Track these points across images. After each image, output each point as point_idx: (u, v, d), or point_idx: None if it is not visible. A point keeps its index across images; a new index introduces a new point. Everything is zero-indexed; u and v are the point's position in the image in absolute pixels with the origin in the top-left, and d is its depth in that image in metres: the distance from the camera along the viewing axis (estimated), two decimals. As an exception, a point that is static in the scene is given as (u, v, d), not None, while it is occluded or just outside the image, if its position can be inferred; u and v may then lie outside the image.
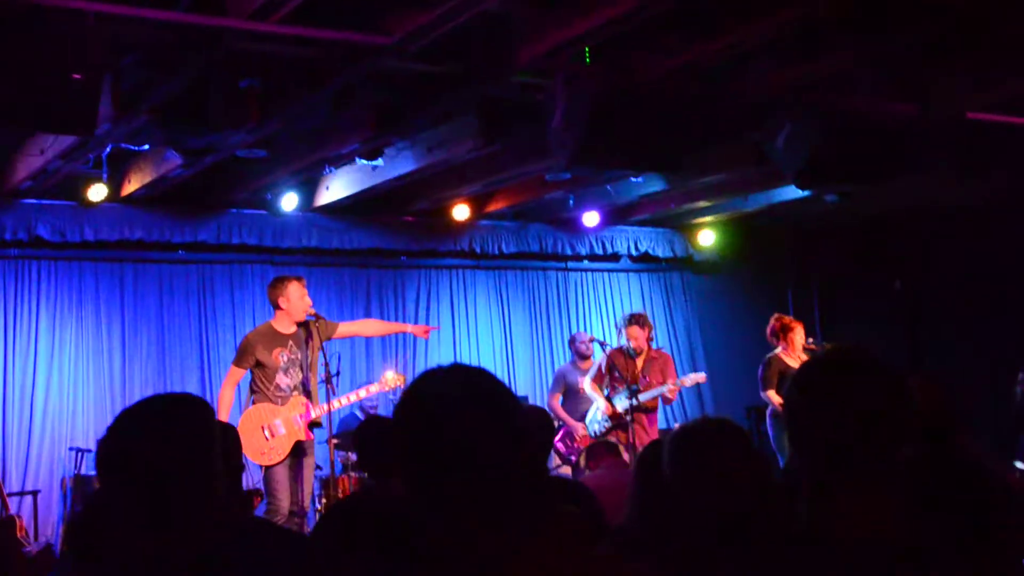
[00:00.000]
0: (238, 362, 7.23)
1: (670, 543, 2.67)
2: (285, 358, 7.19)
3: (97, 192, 8.41)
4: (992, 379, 9.24)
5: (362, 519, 3.49)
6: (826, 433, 1.89)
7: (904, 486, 1.89)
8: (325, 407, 7.26)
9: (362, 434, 4.38)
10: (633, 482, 3.23)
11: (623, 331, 8.49)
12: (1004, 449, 6.00)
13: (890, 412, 1.89)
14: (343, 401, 7.64)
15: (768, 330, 8.82)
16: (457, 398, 1.66)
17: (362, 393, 7.88)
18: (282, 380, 7.21)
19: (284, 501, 6.94)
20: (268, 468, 7.01)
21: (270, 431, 7.04)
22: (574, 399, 8.83)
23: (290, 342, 7.22)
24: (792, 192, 9.33)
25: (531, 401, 10.27)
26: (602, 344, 8.61)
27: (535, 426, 4.35)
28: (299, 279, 7.37)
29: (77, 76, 4.58)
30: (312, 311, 7.51)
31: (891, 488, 1.86)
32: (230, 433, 3.95)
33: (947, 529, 3.45)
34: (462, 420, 1.64)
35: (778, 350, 8.67)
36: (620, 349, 8.49)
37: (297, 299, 7.22)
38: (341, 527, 3.63)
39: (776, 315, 9.00)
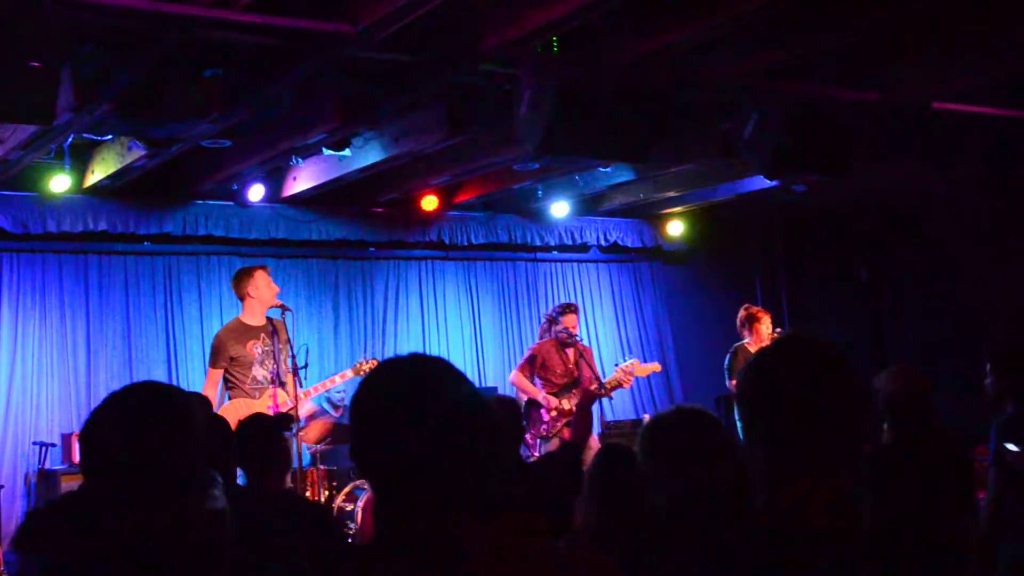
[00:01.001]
0: (214, 363, 7.21)
1: (633, 535, 2.66)
2: (259, 350, 7.20)
3: (60, 183, 8.31)
4: (956, 367, 9.32)
5: None
6: (774, 421, 1.89)
7: (866, 472, 1.89)
8: (296, 397, 7.26)
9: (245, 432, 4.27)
10: (591, 479, 3.22)
11: (559, 319, 8.38)
12: (967, 434, 6.06)
13: (841, 399, 1.89)
14: (311, 392, 7.63)
15: (738, 320, 8.87)
16: (406, 389, 1.65)
17: (337, 379, 7.88)
18: (258, 372, 7.23)
19: None
20: None
21: None
22: None
23: (261, 334, 7.24)
24: (760, 182, 9.36)
25: (501, 392, 10.25)
26: (571, 335, 8.60)
27: (502, 418, 4.32)
28: (264, 267, 7.36)
29: (35, 64, 4.51)
30: (279, 303, 7.53)
31: (845, 475, 1.86)
32: (227, 429, 3.88)
33: (912, 513, 3.48)
34: (400, 411, 1.63)
35: (744, 340, 8.72)
36: (552, 342, 8.39)
37: (265, 287, 7.24)
38: None
39: (745, 305, 9.06)
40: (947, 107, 6.95)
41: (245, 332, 7.20)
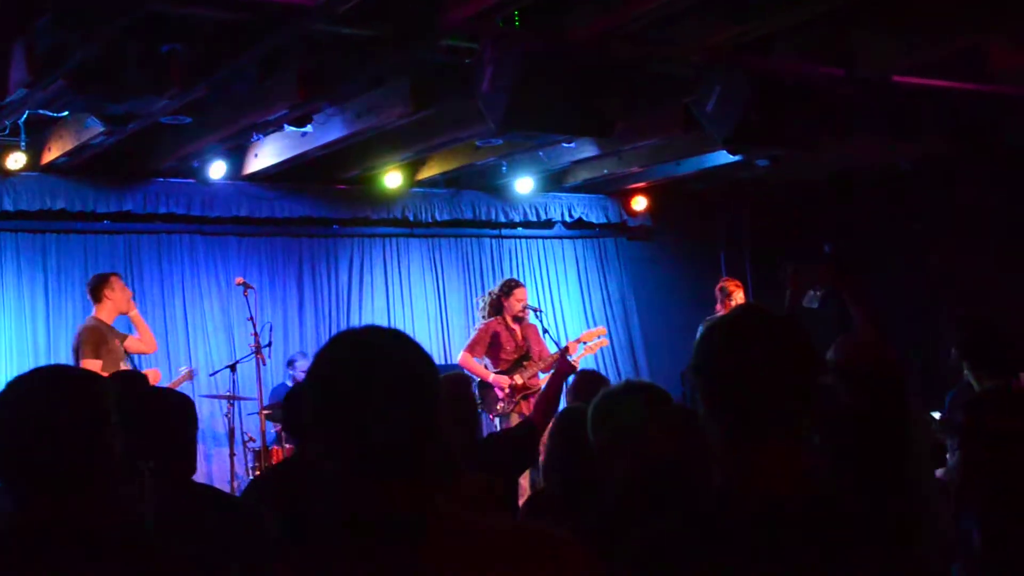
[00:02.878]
0: (96, 353, 7.21)
1: (591, 508, 2.66)
2: (122, 348, 7.34)
3: (15, 160, 8.17)
4: (918, 341, 9.42)
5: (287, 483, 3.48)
6: (730, 391, 1.90)
7: (823, 440, 1.91)
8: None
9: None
10: (551, 447, 3.23)
11: (510, 296, 8.27)
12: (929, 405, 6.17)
13: (795, 367, 1.90)
14: None
15: (715, 293, 8.97)
16: (355, 361, 1.64)
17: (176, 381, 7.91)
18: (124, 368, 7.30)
19: None
20: None
21: None
22: None
23: (120, 334, 7.39)
24: (724, 157, 9.38)
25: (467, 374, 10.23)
26: (536, 310, 8.57)
27: (453, 395, 4.30)
28: (117, 274, 7.66)
29: (-14, 38, 4.41)
30: (241, 280, 7.63)
31: (800, 442, 1.88)
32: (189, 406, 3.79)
33: (868, 480, 3.51)
34: (355, 382, 1.62)
35: (716, 314, 8.77)
36: (500, 320, 8.32)
37: (120, 291, 7.45)
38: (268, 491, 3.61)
39: (722, 278, 9.16)
40: (908, 80, 6.98)
41: (111, 330, 7.38)
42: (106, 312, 7.42)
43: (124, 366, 7.28)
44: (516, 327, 8.31)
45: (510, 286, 8.39)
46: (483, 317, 8.49)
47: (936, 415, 5.46)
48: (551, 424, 3.42)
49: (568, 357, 7.29)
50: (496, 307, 8.37)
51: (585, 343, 8.68)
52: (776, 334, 1.92)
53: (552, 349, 8.22)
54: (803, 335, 1.94)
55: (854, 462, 3.62)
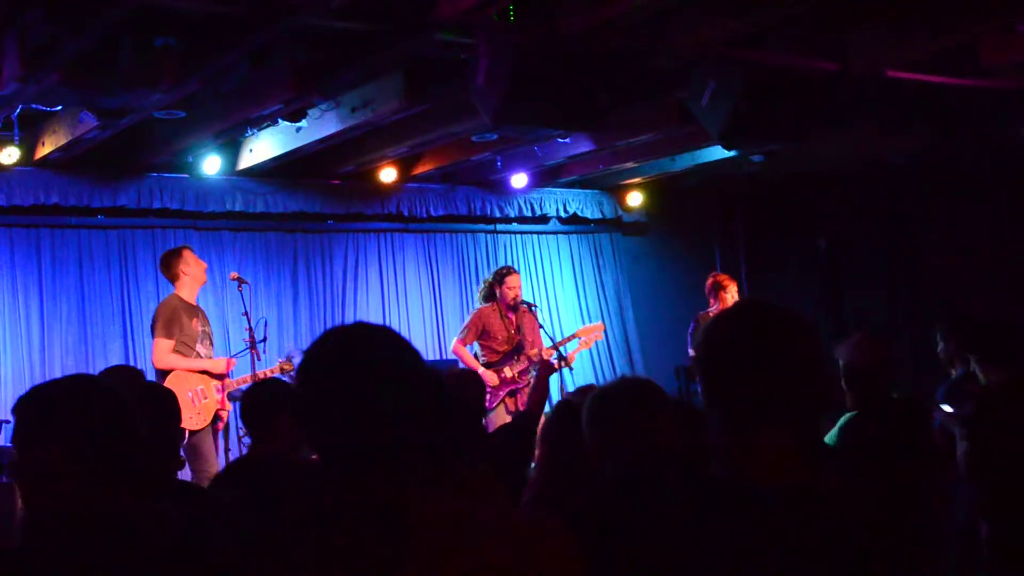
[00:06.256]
0: (168, 333, 7.15)
1: (583, 502, 2.67)
2: (200, 328, 7.24)
3: (8, 155, 8.14)
4: (910, 335, 9.45)
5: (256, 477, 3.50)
6: (731, 383, 1.90)
7: (811, 432, 1.91)
8: (247, 377, 7.29)
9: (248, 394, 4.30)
10: (542, 443, 3.24)
11: (503, 283, 8.21)
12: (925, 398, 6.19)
13: (797, 362, 1.90)
14: (236, 384, 7.56)
15: (706, 288, 8.93)
16: (342, 356, 1.65)
17: (260, 375, 7.81)
18: (200, 349, 7.25)
19: (214, 466, 6.94)
20: (195, 433, 6.99)
21: (197, 396, 7.08)
22: None
23: (200, 312, 7.31)
24: (719, 152, 9.37)
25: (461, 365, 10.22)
26: (530, 305, 8.56)
27: (464, 390, 4.32)
28: (188, 247, 7.52)
29: (-23, 31, 4.41)
30: (236, 275, 7.62)
31: (799, 436, 1.88)
32: (171, 399, 3.83)
33: (872, 475, 3.53)
34: (340, 376, 1.63)
35: (710, 309, 8.76)
36: (493, 308, 8.27)
37: (195, 264, 7.33)
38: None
39: (713, 273, 9.11)
40: (902, 76, 6.98)
41: (188, 308, 7.26)
42: (186, 289, 7.31)
43: (201, 347, 7.21)
44: (511, 316, 8.26)
45: (502, 274, 8.34)
46: (479, 303, 8.51)
47: (946, 407, 5.46)
48: (546, 419, 3.43)
49: (551, 359, 7.27)
50: (490, 295, 8.36)
51: (580, 338, 8.68)
52: (778, 326, 1.92)
53: (547, 343, 8.20)
54: (806, 328, 1.94)
55: (870, 459, 3.64)
